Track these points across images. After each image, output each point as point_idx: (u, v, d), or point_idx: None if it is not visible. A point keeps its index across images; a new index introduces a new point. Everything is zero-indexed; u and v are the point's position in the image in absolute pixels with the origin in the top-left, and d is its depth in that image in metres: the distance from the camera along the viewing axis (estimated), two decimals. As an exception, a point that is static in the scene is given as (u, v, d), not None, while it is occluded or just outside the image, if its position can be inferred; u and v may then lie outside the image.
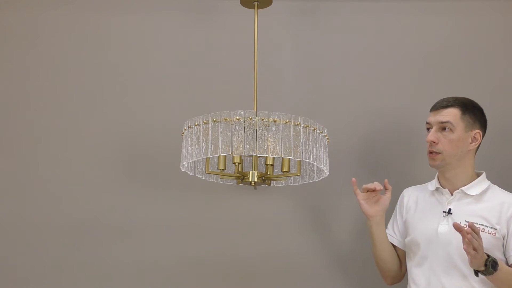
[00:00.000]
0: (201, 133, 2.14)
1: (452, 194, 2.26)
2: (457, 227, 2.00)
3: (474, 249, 1.99)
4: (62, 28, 2.81)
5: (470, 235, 1.97)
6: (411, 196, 2.37)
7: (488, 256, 2.06)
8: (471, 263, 2.04)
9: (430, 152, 2.24)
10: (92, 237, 2.66)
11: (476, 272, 2.07)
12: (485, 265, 2.04)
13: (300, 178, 2.40)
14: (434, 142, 2.22)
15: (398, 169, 2.69)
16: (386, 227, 2.37)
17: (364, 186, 2.28)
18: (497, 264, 2.06)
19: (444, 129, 2.23)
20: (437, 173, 2.33)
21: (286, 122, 2.13)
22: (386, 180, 2.31)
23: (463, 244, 2.00)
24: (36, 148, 2.72)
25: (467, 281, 2.15)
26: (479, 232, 2.01)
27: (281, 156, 2.13)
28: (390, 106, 2.75)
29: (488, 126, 2.32)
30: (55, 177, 2.70)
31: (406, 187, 2.44)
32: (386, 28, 2.82)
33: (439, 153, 2.22)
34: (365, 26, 2.82)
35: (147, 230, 2.68)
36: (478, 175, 2.29)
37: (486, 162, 2.47)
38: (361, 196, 2.29)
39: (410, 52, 2.79)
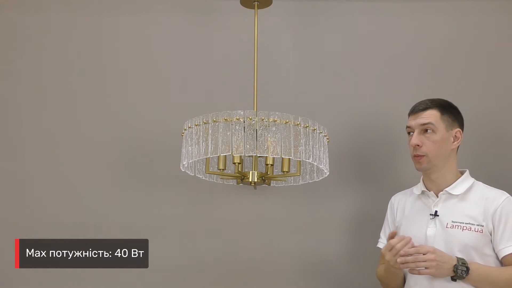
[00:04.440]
0: (201, 133, 2.14)
1: (437, 196, 2.25)
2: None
3: (416, 268, 2.07)
4: (62, 28, 2.81)
5: (401, 258, 2.07)
6: (399, 202, 2.37)
7: (457, 260, 2.08)
8: (435, 276, 2.09)
9: (415, 156, 2.23)
10: (92, 237, 2.65)
11: (453, 278, 2.09)
12: (454, 271, 2.07)
13: (300, 178, 2.40)
14: (418, 145, 2.21)
15: (399, 169, 2.69)
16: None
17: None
18: (468, 268, 2.07)
19: (426, 131, 2.22)
20: (422, 176, 2.33)
21: (286, 122, 2.13)
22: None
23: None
24: (37, 149, 2.72)
25: (460, 282, 2.13)
26: (415, 250, 2.07)
27: (281, 156, 2.13)
28: (390, 106, 2.75)
29: (488, 126, 2.32)
30: (56, 178, 2.70)
31: (407, 187, 2.43)
32: (386, 28, 2.82)
33: (424, 155, 2.21)
34: (364, 26, 2.82)
35: (146, 230, 2.67)
36: (462, 173, 2.29)
37: (486, 162, 2.47)
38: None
39: (410, 52, 2.79)
